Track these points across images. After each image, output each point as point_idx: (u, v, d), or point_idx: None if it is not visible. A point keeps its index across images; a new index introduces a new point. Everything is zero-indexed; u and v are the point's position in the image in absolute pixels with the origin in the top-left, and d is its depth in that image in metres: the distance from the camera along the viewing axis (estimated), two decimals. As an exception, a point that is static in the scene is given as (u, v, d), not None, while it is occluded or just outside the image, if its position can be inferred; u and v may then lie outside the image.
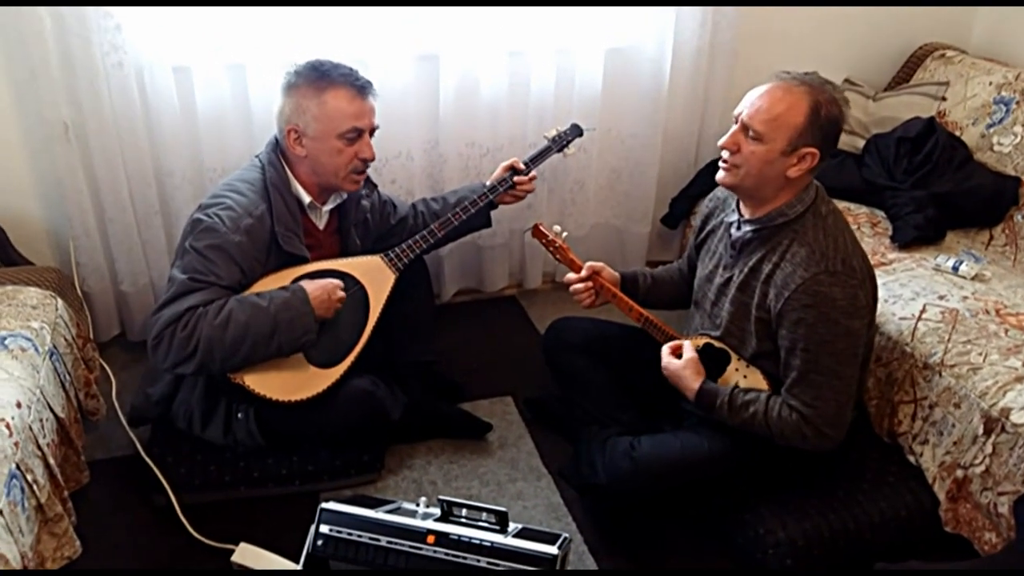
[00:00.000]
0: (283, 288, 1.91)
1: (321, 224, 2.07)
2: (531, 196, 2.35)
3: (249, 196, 1.91)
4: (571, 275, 2.08)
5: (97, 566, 1.83)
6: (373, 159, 2.00)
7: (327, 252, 2.09)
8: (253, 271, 1.91)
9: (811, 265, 1.70)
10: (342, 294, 1.97)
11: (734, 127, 1.76)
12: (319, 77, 1.90)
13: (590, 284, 2.05)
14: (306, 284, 1.92)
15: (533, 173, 2.25)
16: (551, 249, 2.14)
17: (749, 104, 1.73)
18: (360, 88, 1.93)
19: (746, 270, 1.82)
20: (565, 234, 2.14)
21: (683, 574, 1.90)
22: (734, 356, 1.89)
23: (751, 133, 1.72)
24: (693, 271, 2.10)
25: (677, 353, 1.92)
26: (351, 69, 1.95)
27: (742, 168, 1.75)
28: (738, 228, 1.85)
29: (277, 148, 1.99)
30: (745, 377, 1.87)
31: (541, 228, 2.14)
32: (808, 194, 1.76)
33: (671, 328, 2.02)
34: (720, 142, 1.78)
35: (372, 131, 1.98)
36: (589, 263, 2.06)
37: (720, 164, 1.80)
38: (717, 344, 1.91)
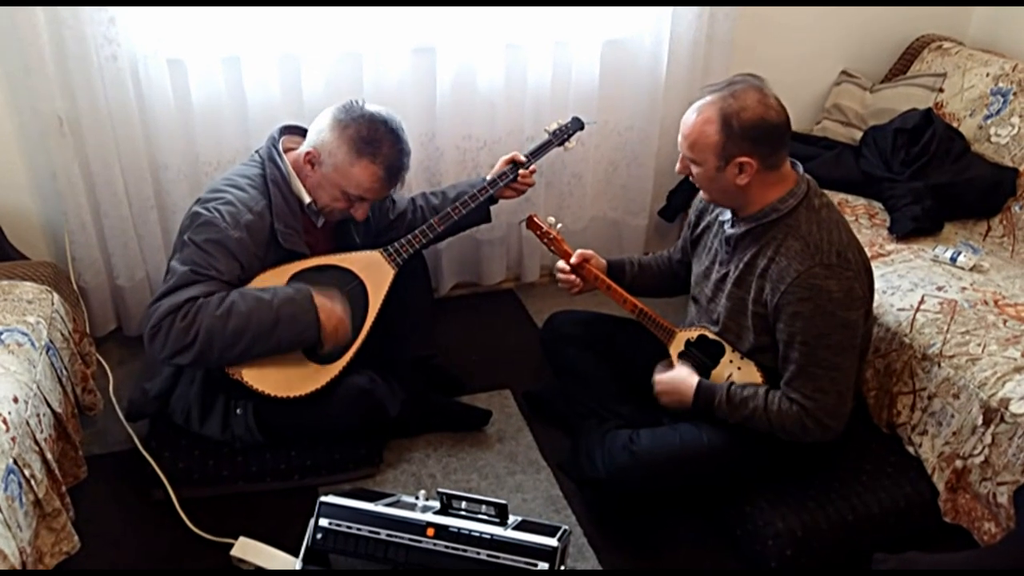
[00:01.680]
0: (287, 285, 1.90)
1: (319, 222, 2.06)
2: (530, 190, 2.34)
3: (249, 192, 1.90)
4: (561, 263, 2.10)
5: (95, 561, 1.83)
6: (361, 220, 2.02)
7: (326, 249, 2.07)
8: (252, 267, 1.90)
9: (806, 258, 1.70)
10: (346, 319, 1.96)
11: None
12: (366, 142, 1.88)
13: (573, 278, 2.07)
14: (312, 290, 1.91)
15: (533, 167, 2.24)
16: (545, 240, 2.14)
17: (680, 132, 1.78)
18: (392, 175, 1.93)
19: (741, 266, 1.82)
20: (560, 225, 2.14)
21: (683, 572, 1.90)
22: (728, 348, 1.89)
23: (687, 158, 1.78)
24: (684, 260, 2.10)
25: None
26: (401, 150, 1.93)
27: (701, 187, 1.82)
28: (732, 225, 1.86)
29: (277, 144, 1.98)
30: (739, 369, 1.87)
31: (536, 220, 2.14)
32: (800, 188, 1.76)
33: (666, 320, 2.02)
34: (676, 169, 1.84)
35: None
36: (579, 251, 2.08)
37: None
38: (711, 336, 1.91)
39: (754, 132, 1.68)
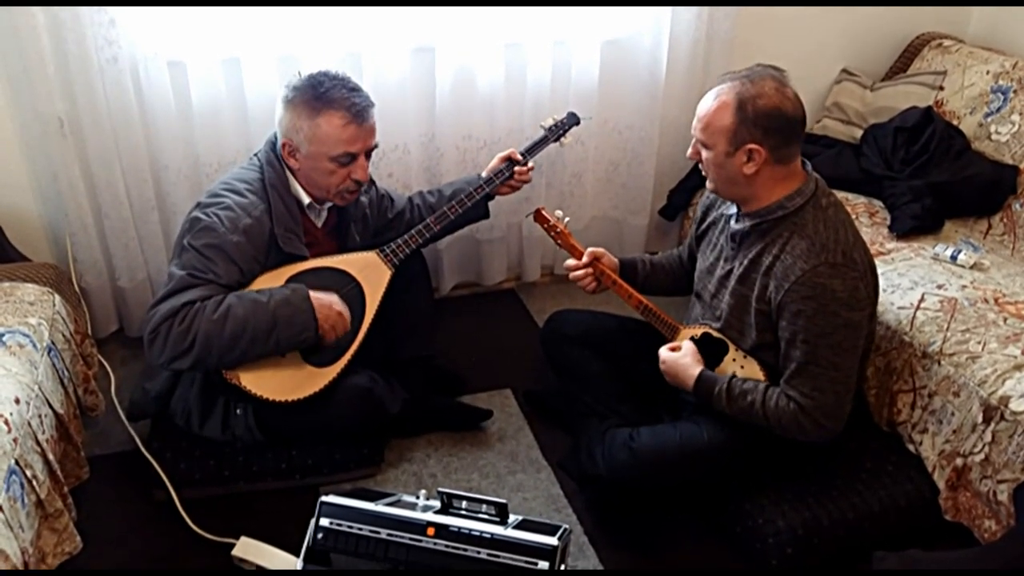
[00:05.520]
0: (283, 286, 1.90)
1: (320, 222, 2.06)
2: (529, 189, 2.34)
3: (248, 196, 1.90)
4: (571, 261, 2.09)
5: (97, 561, 1.83)
6: (366, 181, 1.98)
7: (326, 249, 2.08)
8: (252, 271, 1.90)
9: (811, 257, 1.70)
10: (346, 313, 1.95)
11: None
12: (315, 98, 1.87)
13: (590, 270, 2.07)
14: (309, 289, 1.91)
15: (530, 164, 2.24)
16: (552, 234, 2.14)
17: (695, 115, 1.79)
18: (356, 113, 1.89)
19: (746, 262, 1.82)
20: (567, 219, 2.14)
21: (684, 570, 1.91)
22: (732, 346, 1.89)
23: (699, 142, 1.78)
24: (692, 260, 2.10)
25: (675, 350, 1.94)
26: (352, 89, 1.90)
27: (709, 173, 1.81)
28: (737, 221, 1.86)
29: (275, 148, 1.98)
30: (742, 368, 1.87)
31: (544, 213, 2.15)
32: (808, 186, 1.76)
33: (671, 317, 2.02)
34: (687, 154, 1.84)
35: (369, 152, 1.96)
36: (590, 248, 2.09)
37: None
38: (715, 334, 1.91)
39: (767, 120, 1.69)
